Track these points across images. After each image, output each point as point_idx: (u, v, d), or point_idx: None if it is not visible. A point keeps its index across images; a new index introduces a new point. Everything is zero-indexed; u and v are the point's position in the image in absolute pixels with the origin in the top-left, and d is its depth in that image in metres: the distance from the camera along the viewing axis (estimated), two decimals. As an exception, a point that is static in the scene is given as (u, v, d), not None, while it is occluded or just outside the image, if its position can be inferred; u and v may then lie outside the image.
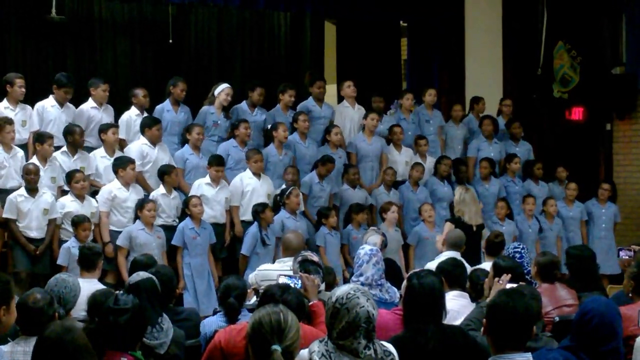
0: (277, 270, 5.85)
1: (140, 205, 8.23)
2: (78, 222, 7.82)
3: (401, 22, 12.60)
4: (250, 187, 9.00)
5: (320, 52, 12.65)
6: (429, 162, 10.33)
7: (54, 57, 10.55)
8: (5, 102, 8.56)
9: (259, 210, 8.62)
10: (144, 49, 11.28)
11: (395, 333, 4.38)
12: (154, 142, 8.93)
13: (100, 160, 8.71)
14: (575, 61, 12.18)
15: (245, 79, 10.83)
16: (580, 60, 12.19)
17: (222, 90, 9.55)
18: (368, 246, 6.78)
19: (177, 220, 8.67)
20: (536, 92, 12.10)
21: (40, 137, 8.32)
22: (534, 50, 11.98)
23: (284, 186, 9.12)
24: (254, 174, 9.05)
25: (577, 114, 12.24)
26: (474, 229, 8.98)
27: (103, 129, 8.75)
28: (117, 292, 4.50)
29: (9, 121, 8.20)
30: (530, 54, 12.01)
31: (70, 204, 8.13)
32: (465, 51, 12.04)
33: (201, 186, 8.80)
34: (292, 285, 4.89)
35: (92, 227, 8.08)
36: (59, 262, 7.81)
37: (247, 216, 8.97)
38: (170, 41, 10.98)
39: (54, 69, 9.73)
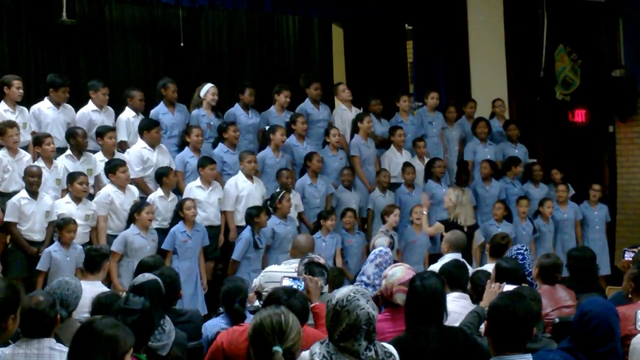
0: (282, 272, 5.84)
1: (138, 208, 7.99)
2: (63, 224, 7.55)
3: (406, 25, 12.58)
4: (246, 192, 8.85)
5: (329, 55, 12.67)
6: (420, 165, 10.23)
7: (65, 60, 10.53)
8: (4, 104, 8.36)
9: (253, 214, 8.44)
10: (155, 52, 11.28)
11: (391, 334, 4.44)
12: (153, 145, 8.74)
13: (99, 164, 8.49)
14: (575, 64, 12.19)
15: (256, 81, 10.81)
16: (580, 62, 12.20)
17: (207, 90, 9.42)
18: (379, 247, 6.84)
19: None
20: (539, 94, 12.07)
21: (38, 140, 8.12)
22: (535, 53, 11.97)
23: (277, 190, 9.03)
24: (247, 176, 8.89)
25: (580, 116, 12.22)
26: (465, 229, 8.77)
27: (100, 133, 8.57)
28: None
29: (11, 124, 7.99)
30: (532, 56, 12.00)
31: (65, 206, 7.92)
32: (470, 54, 12.03)
33: (192, 190, 8.64)
34: (295, 287, 4.92)
35: (89, 229, 8.01)
36: (38, 267, 7.53)
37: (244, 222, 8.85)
38: (182, 44, 10.96)
39: (65, 72, 9.65)
